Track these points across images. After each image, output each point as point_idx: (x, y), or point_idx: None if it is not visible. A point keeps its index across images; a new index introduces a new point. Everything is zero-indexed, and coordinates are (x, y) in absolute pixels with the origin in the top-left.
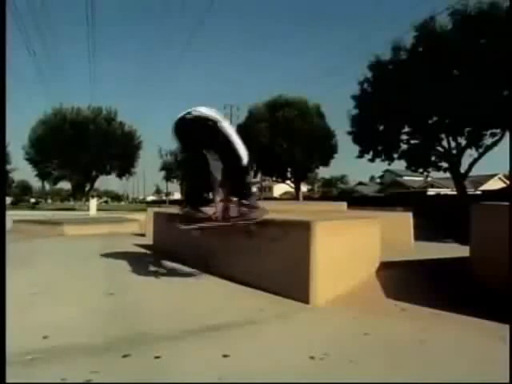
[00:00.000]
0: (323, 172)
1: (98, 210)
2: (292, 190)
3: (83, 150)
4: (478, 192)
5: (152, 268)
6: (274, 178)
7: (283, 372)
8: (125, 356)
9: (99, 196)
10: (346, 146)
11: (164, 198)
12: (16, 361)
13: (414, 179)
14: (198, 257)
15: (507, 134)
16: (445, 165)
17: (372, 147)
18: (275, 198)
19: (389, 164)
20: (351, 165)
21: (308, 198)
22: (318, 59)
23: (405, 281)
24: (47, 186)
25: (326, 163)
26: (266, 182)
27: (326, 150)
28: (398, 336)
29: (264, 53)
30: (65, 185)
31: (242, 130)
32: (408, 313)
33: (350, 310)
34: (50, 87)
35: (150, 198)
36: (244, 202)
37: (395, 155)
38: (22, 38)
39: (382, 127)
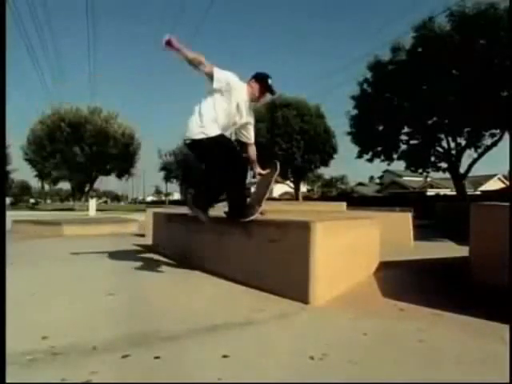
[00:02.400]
0: (323, 172)
1: (98, 210)
2: (292, 190)
3: (81, 150)
4: (478, 192)
5: (151, 269)
6: None
7: (283, 372)
8: (125, 356)
9: (99, 196)
10: (346, 147)
11: (163, 198)
12: (16, 361)
13: (413, 179)
14: (198, 257)
15: (507, 135)
16: (444, 165)
17: (371, 147)
18: (275, 199)
19: (388, 164)
20: (351, 165)
21: (307, 198)
22: (318, 59)
23: (404, 281)
24: (47, 187)
25: (325, 163)
26: None
27: (325, 150)
28: (397, 336)
29: (264, 52)
30: (64, 185)
31: None
32: (407, 313)
33: (349, 310)
34: (50, 88)
35: (150, 199)
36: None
37: (395, 155)
38: (21, 38)
39: (381, 127)
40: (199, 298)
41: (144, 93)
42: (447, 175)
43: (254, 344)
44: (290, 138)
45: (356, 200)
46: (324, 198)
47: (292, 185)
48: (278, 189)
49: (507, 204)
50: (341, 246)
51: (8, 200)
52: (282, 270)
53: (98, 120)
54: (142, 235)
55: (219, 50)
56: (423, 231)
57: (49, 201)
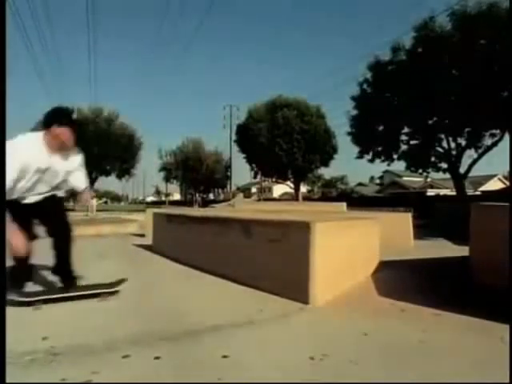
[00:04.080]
0: (323, 172)
1: (98, 210)
2: (292, 190)
3: (82, 150)
4: (478, 192)
5: (151, 269)
6: (274, 179)
7: (283, 372)
8: (125, 356)
9: (99, 197)
10: (346, 147)
11: (164, 198)
12: (16, 361)
13: (413, 180)
14: (198, 257)
15: (507, 135)
16: (444, 165)
17: (371, 148)
18: (275, 199)
19: (388, 165)
20: (351, 166)
21: (307, 198)
22: (318, 59)
23: (404, 281)
24: None
25: (325, 164)
26: (266, 182)
27: (326, 150)
28: (398, 336)
29: (264, 52)
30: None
31: (241, 130)
32: (407, 313)
33: (349, 310)
34: (50, 88)
35: (150, 199)
36: None
37: (395, 156)
38: (22, 38)
39: (381, 128)
40: (199, 298)
41: (145, 92)
42: (447, 175)
43: (254, 344)
44: (291, 138)
45: (356, 200)
46: (324, 198)
47: (292, 185)
48: (278, 189)
49: (507, 204)
50: (341, 246)
51: None
52: (281, 270)
53: (100, 121)
54: (142, 235)
55: (219, 50)
56: (423, 231)
57: None
